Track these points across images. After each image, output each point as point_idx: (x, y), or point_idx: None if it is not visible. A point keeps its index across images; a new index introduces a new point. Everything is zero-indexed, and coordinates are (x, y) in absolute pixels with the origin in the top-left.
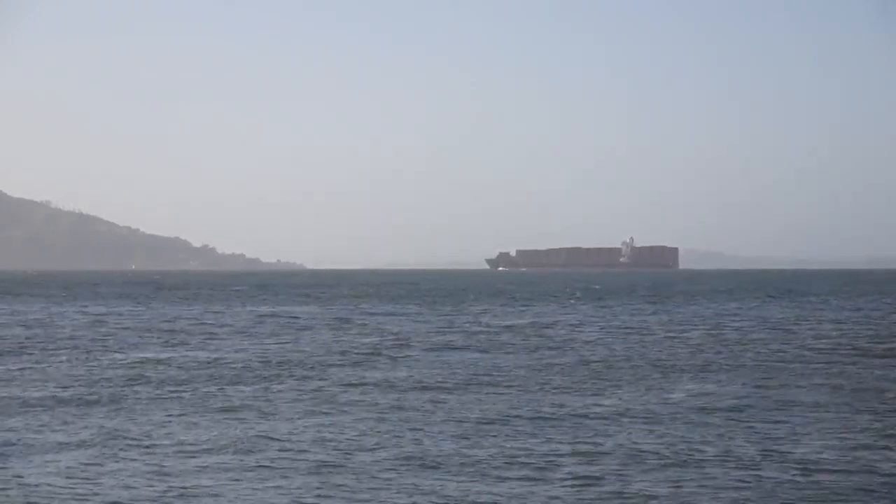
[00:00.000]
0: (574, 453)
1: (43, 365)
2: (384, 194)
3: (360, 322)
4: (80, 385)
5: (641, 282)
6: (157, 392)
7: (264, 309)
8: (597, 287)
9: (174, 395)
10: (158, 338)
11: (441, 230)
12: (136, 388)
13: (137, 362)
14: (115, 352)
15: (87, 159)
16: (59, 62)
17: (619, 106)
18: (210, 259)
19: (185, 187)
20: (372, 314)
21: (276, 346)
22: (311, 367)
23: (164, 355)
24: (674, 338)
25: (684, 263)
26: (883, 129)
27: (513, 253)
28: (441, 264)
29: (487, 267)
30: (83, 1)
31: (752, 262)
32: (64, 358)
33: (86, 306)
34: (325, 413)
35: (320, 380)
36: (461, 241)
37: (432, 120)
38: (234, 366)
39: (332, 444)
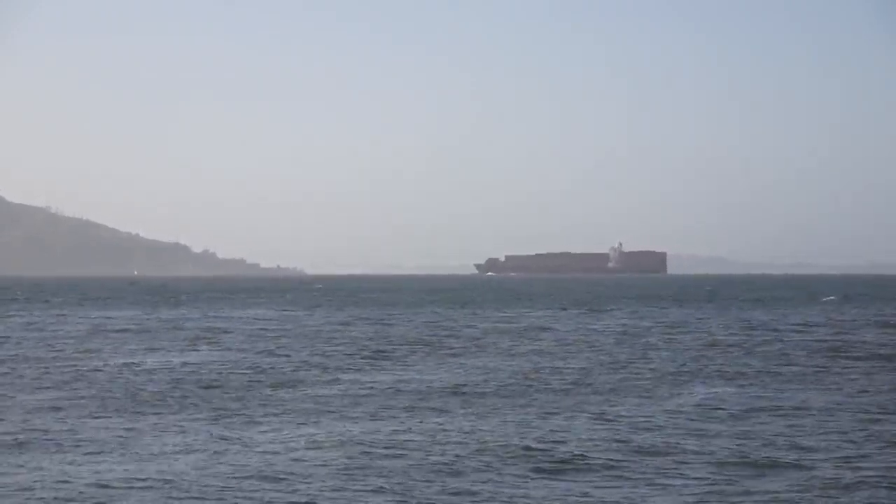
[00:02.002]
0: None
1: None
2: (384, 194)
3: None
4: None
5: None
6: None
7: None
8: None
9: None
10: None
11: (441, 230)
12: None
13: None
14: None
15: (86, 160)
16: (59, 62)
17: (619, 106)
18: (210, 263)
19: (185, 188)
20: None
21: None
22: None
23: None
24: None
25: (687, 268)
26: (883, 129)
27: (502, 258)
28: (441, 267)
29: (476, 272)
30: (83, 1)
31: (754, 267)
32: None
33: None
34: None
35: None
36: (461, 242)
37: (432, 120)
38: None
39: None
